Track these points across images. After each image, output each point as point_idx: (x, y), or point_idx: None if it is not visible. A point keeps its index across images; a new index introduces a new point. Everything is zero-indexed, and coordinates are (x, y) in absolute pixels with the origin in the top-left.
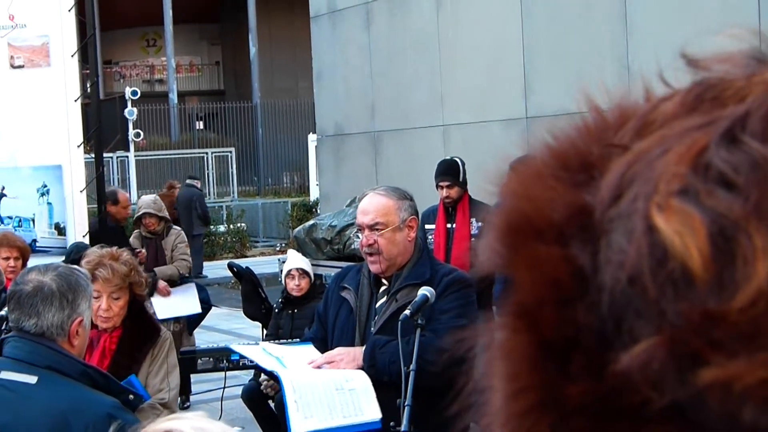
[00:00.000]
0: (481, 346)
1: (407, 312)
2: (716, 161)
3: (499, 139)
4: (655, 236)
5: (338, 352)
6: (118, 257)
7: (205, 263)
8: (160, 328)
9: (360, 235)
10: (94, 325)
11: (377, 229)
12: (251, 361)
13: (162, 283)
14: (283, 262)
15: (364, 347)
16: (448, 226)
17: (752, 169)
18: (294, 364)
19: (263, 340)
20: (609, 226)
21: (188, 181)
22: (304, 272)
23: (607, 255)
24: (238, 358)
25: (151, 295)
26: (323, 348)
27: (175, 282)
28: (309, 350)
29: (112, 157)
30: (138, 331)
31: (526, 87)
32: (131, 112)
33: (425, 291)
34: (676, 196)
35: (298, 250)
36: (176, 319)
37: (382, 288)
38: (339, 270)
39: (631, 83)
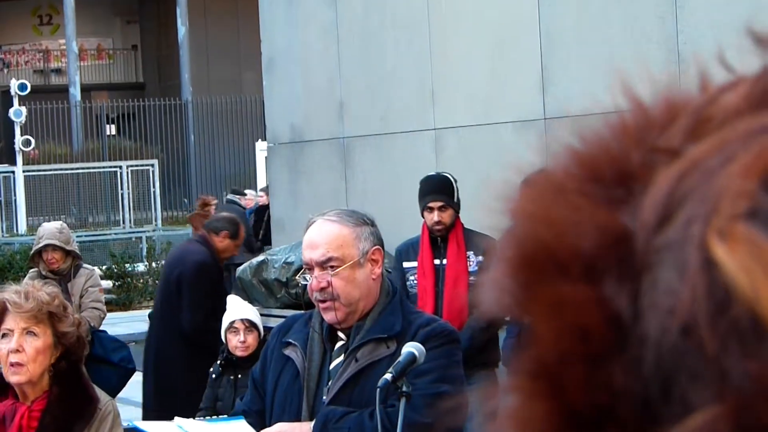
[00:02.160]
0: (485, 414)
1: (388, 376)
2: None
3: (509, 146)
4: (714, 273)
5: (279, 429)
6: (39, 288)
7: (119, 314)
8: (98, 398)
9: (308, 276)
10: (12, 393)
11: (331, 267)
12: None
13: None
14: (223, 312)
15: (313, 422)
16: (437, 262)
17: None
18: None
19: (197, 414)
20: (654, 259)
21: (229, 196)
22: (251, 325)
23: (652, 297)
24: None
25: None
26: (260, 425)
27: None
28: (239, 428)
29: None
30: (68, 401)
31: (543, 78)
32: (18, 113)
33: (412, 348)
34: (742, 220)
35: (243, 296)
36: None
37: (339, 344)
38: (282, 322)
39: (682, 72)
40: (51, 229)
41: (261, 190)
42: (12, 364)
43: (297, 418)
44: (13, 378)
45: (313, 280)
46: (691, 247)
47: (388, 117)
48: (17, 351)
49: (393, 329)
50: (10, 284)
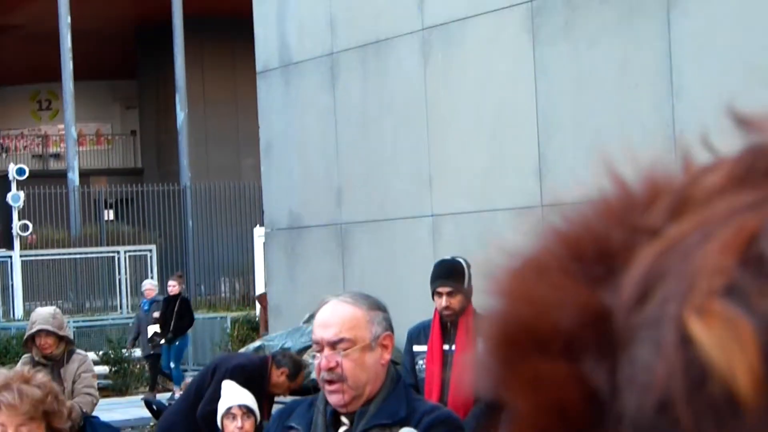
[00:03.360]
0: None
1: None
2: None
3: (506, 233)
4: (691, 350)
5: None
6: (29, 379)
7: (114, 399)
8: None
9: (317, 355)
10: None
11: (342, 348)
12: None
13: None
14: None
15: None
16: (446, 347)
17: None
18: None
19: None
20: (632, 336)
21: None
22: (248, 411)
23: (630, 374)
24: None
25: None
26: None
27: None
28: None
29: None
30: None
31: (541, 165)
32: (16, 198)
33: None
34: (719, 297)
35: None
36: None
37: (342, 429)
38: (284, 406)
39: (678, 160)
40: (44, 315)
41: (172, 279)
42: None
43: None
44: None
45: (322, 360)
46: (668, 324)
47: (385, 203)
48: None
49: (397, 415)
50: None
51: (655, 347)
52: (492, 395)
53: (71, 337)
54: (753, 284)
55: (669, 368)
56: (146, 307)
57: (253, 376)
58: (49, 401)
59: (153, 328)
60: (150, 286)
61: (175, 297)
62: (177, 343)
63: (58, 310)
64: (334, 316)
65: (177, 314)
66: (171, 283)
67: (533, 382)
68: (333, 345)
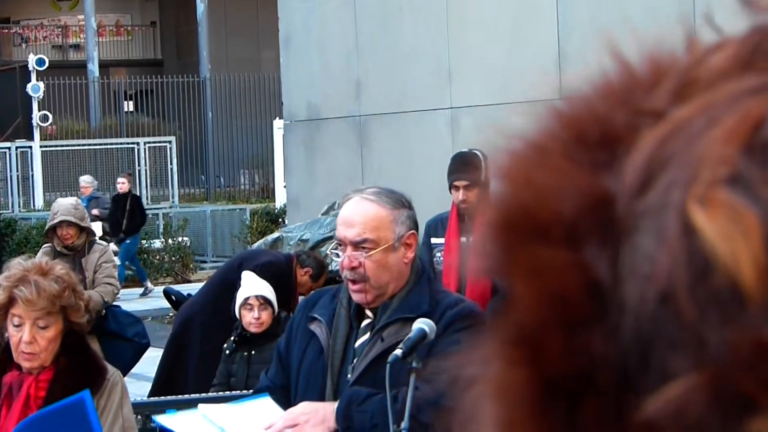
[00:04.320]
0: (467, 380)
1: (398, 352)
2: None
3: (524, 126)
4: (694, 239)
5: (302, 410)
6: (47, 272)
7: (135, 290)
8: (106, 368)
9: (339, 252)
10: (15, 366)
11: (365, 248)
12: None
13: None
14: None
15: (336, 403)
16: (463, 240)
17: None
18: None
19: (210, 389)
20: (635, 224)
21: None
22: (265, 301)
23: (632, 263)
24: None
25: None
26: (285, 400)
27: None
28: (265, 406)
29: (9, 147)
30: (76, 372)
31: (560, 58)
32: (36, 88)
33: (422, 324)
34: (722, 186)
35: None
36: None
37: (365, 322)
38: (309, 296)
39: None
40: (66, 205)
41: (121, 176)
42: (24, 352)
43: (321, 395)
44: (26, 364)
45: (345, 259)
46: (671, 213)
47: (404, 95)
48: (30, 342)
49: (420, 308)
50: (24, 258)
51: (657, 236)
52: (500, 283)
53: (92, 227)
54: (758, 173)
55: (671, 258)
56: (84, 204)
57: (280, 273)
58: (66, 296)
59: (93, 225)
60: (85, 183)
61: (125, 195)
62: (128, 241)
63: (79, 200)
64: (357, 215)
65: (129, 213)
66: (120, 180)
67: (533, 269)
68: (356, 245)
